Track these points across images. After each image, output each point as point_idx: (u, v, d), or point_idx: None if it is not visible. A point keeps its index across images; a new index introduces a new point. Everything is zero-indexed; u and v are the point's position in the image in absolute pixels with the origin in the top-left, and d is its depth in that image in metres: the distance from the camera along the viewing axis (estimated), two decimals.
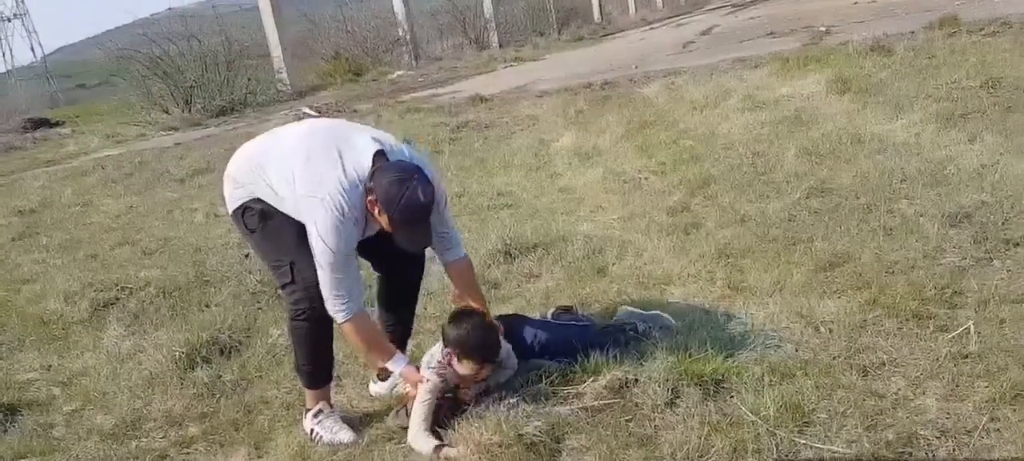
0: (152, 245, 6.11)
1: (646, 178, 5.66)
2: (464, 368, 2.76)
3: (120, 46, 18.21)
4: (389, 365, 2.84)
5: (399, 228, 2.62)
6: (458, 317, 2.83)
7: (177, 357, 3.62)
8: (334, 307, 2.67)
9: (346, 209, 2.56)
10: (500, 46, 23.72)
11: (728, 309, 3.27)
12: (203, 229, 6.41)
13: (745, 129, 6.39)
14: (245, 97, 17.00)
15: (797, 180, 4.78)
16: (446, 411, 2.78)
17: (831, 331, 2.93)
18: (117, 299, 4.73)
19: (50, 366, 3.97)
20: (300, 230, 2.70)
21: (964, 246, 3.47)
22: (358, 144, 2.67)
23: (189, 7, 22.28)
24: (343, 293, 2.65)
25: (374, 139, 2.70)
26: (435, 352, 2.88)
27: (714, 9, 28.16)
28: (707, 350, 2.83)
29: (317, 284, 2.70)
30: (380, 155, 2.64)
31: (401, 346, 3.11)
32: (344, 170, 2.60)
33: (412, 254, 2.96)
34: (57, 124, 21.95)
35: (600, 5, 31.71)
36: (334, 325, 2.82)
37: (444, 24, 25.00)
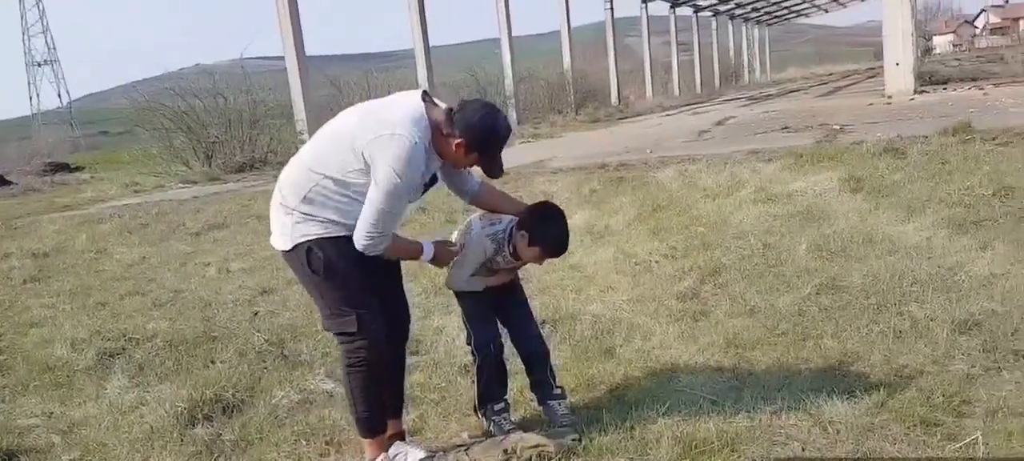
0: (162, 297, 6.14)
1: (657, 262, 5.68)
2: (530, 255, 3.05)
3: (146, 97, 18.59)
4: (424, 256, 2.97)
5: (488, 157, 2.79)
6: (548, 211, 3.12)
7: (179, 412, 3.61)
8: (375, 241, 2.72)
9: (418, 139, 2.65)
10: (519, 122, 24.08)
11: (735, 402, 3.25)
12: (214, 284, 6.45)
13: (757, 220, 6.43)
14: (266, 155, 17.25)
15: (808, 275, 4.79)
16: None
17: (838, 432, 2.90)
18: (123, 349, 4.74)
19: (52, 413, 3.95)
20: (364, 276, 2.79)
21: (973, 354, 3.45)
22: (401, 95, 2.85)
23: (218, 64, 22.77)
24: (386, 230, 2.73)
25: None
26: (477, 219, 3.11)
27: (730, 101, 28.60)
28: (713, 443, 2.80)
29: (382, 331, 2.84)
30: (426, 94, 2.81)
31: (395, 412, 3.17)
32: (405, 111, 2.72)
33: (403, 315, 3.12)
34: (77, 169, 22.31)
35: (618, 88, 32.27)
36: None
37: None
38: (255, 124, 17.76)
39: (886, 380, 3.26)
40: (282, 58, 18.39)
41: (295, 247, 2.80)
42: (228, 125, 17.44)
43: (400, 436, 3.17)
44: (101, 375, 4.39)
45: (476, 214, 3.19)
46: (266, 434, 3.47)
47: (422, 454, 2.99)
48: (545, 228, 3.05)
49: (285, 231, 2.82)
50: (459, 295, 3.24)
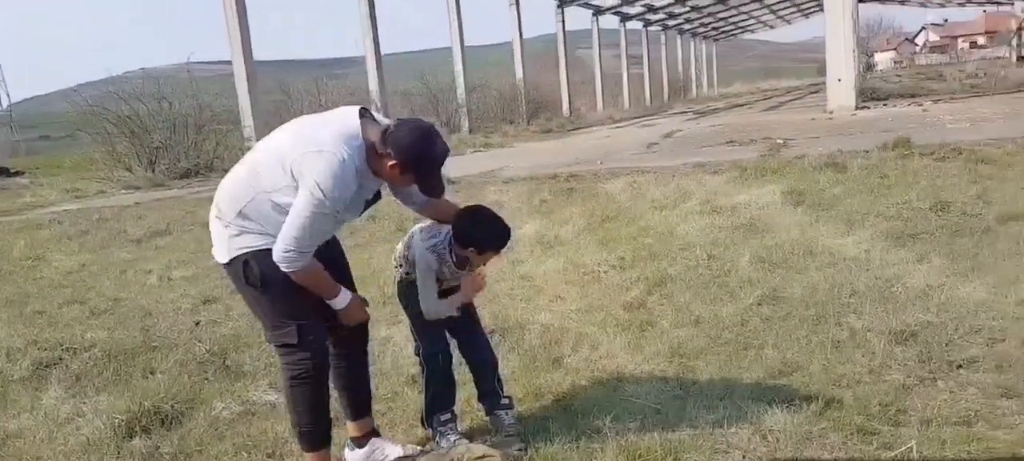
0: (102, 305, 5.98)
1: (605, 272, 5.73)
2: (483, 261, 3.10)
3: (89, 101, 18.12)
4: (336, 302, 2.85)
5: (425, 177, 2.74)
6: (476, 214, 3.12)
7: (116, 424, 3.51)
8: (294, 257, 2.63)
9: (346, 157, 2.59)
10: (471, 131, 24.12)
11: (679, 411, 3.29)
12: (155, 292, 6.31)
13: (702, 232, 6.54)
14: (211, 161, 16.96)
15: (750, 286, 4.89)
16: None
17: (778, 440, 2.96)
18: (60, 359, 4.60)
19: None
20: (303, 289, 2.73)
21: (909, 364, 3.55)
22: (339, 111, 2.77)
23: (164, 68, 22.33)
24: (307, 248, 2.65)
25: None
26: (418, 231, 3.11)
27: (678, 114, 29.05)
28: (656, 452, 2.84)
29: (324, 343, 2.78)
30: (365, 111, 2.74)
31: (365, 412, 3.18)
32: (337, 128, 2.66)
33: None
34: (16, 174, 21.61)
35: (570, 100, 32.54)
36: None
37: (417, 105, 25.35)
38: (201, 129, 17.44)
39: (825, 390, 3.34)
40: (230, 62, 18.12)
41: (232, 260, 2.76)
42: (173, 130, 17.08)
43: (375, 433, 3.18)
44: (36, 386, 4.26)
45: (417, 226, 3.19)
46: (206, 447, 3.40)
47: (400, 451, 3.02)
48: (483, 231, 3.06)
49: (223, 243, 2.77)
50: (407, 305, 3.23)
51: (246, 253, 2.73)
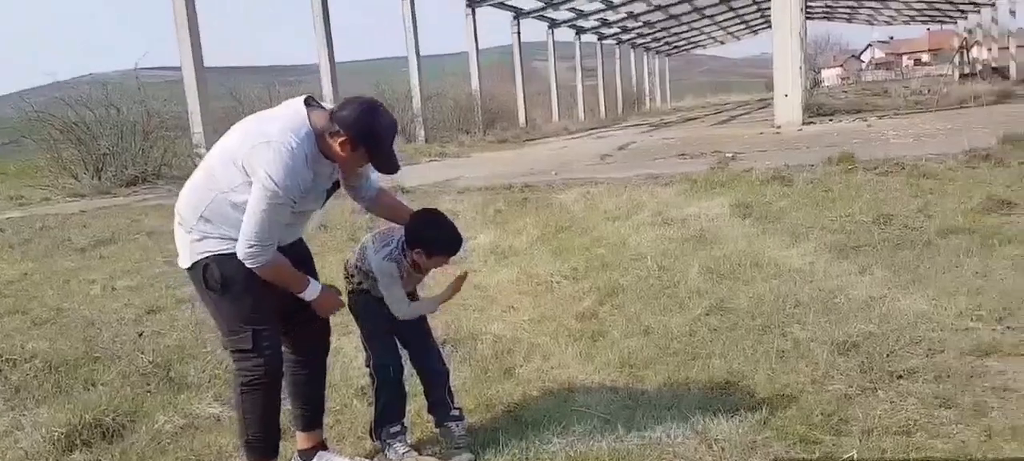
0: (43, 315, 5.81)
1: (558, 282, 5.76)
2: (433, 264, 3.10)
3: (35, 107, 17.63)
4: (306, 293, 2.83)
5: (376, 151, 2.74)
6: (428, 218, 3.13)
7: (56, 438, 3.41)
8: (256, 252, 2.63)
9: (295, 145, 2.60)
10: (426, 140, 24.07)
11: (627, 420, 3.32)
12: (99, 302, 6.16)
13: (654, 243, 6.62)
14: (159, 169, 16.64)
15: (699, 297, 4.96)
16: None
17: (723, 449, 3.00)
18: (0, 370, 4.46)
19: None
20: (264, 295, 2.73)
21: (851, 374, 3.63)
22: (285, 104, 2.78)
23: (112, 74, 21.84)
24: (268, 241, 2.64)
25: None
26: (370, 242, 3.10)
27: (631, 126, 29.38)
28: None
29: (279, 351, 2.77)
30: (310, 100, 2.75)
31: (316, 424, 3.16)
32: (284, 119, 2.68)
33: (322, 329, 3.06)
34: None
35: (525, 111, 32.70)
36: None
37: None
38: (149, 136, 17.09)
39: (769, 399, 3.40)
40: (180, 69, 17.81)
41: (194, 264, 2.77)
42: (120, 137, 16.71)
43: (322, 446, 3.16)
44: None
45: (369, 235, 3.19)
46: None
47: None
48: (434, 235, 3.07)
49: (186, 249, 2.78)
50: (358, 316, 3.21)
51: (207, 257, 2.73)
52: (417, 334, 3.28)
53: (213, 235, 2.71)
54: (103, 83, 18.39)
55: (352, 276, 3.16)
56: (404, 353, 3.27)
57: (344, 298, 3.07)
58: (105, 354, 4.67)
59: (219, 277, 2.72)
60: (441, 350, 3.43)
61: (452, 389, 3.32)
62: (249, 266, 2.66)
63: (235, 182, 2.64)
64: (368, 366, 3.23)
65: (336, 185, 2.90)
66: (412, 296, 3.19)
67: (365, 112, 2.71)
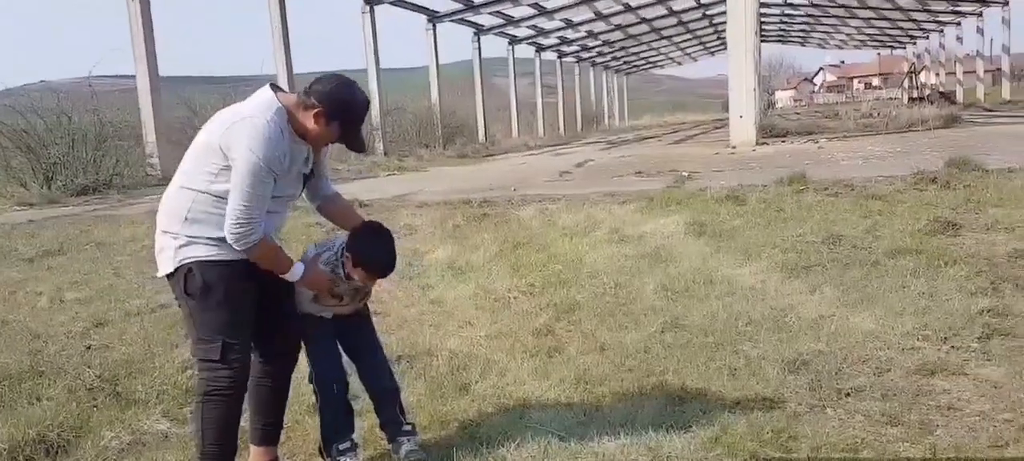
0: None
1: (515, 297, 5.78)
2: (358, 275, 3.01)
3: None
4: (290, 274, 2.87)
5: (348, 127, 2.83)
6: (373, 231, 3.09)
7: None
8: (245, 229, 2.66)
9: (270, 119, 2.68)
10: (385, 154, 23.96)
11: (581, 437, 3.34)
12: (46, 314, 5.99)
13: (610, 260, 6.67)
14: (111, 178, 16.30)
15: (654, 314, 5.01)
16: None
17: None
18: None
19: None
20: (241, 307, 2.77)
21: (801, 392, 3.69)
22: (252, 94, 2.84)
23: (64, 83, 21.37)
24: (256, 216, 2.67)
25: None
26: (312, 248, 3.10)
27: (590, 143, 29.60)
28: None
29: (246, 366, 2.81)
30: (274, 85, 2.83)
31: (273, 439, 3.18)
32: (254, 101, 2.78)
33: (294, 338, 3.09)
34: None
35: (485, 126, 32.77)
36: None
37: None
38: (101, 145, 16.73)
39: (721, 416, 3.44)
40: (134, 77, 17.50)
41: (177, 269, 2.78)
42: (71, 145, 16.33)
43: None
44: None
45: (312, 244, 3.21)
46: None
47: None
48: (369, 249, 3.04)
49: (169, 255, 2.79)
50: (305, 332, 3.18)
51: (191, 262, 2.75)
52: (367, 351, 3.26)
53: (200, 240, 2.74)
54: (55, 91, 18.00)
55: None
56: (353, 368, 3.25)
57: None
58: (51, 368, 4.54)
59: (201, 284, 2.75)
60: (391, 366, 3.41)
61: (404, 405, 3.31)
62: (239, 248, 2.70)
63: (214, 168, 2.68)
64: (311, 382, 3.20)
65: (312, 172, 2.96)
66: (340, 298, 3.13)
67: (341, 86, 2.80)
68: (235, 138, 2.65)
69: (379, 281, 3.20)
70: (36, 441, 3.46)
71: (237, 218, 2.65)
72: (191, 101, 21.55)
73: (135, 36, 17.08)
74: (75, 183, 15.78)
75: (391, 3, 26.29)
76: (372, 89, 25.37)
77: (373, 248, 3.04)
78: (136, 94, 17.69)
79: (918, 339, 4.28)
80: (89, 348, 5.00)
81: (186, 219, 2.74)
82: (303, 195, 3.09)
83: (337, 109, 2.77)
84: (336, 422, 3.17)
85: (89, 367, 4.40)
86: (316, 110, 2.74)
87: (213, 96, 19.94)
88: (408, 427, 3.25)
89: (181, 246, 2.76)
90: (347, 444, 3.16)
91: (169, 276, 2.82)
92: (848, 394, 3.65)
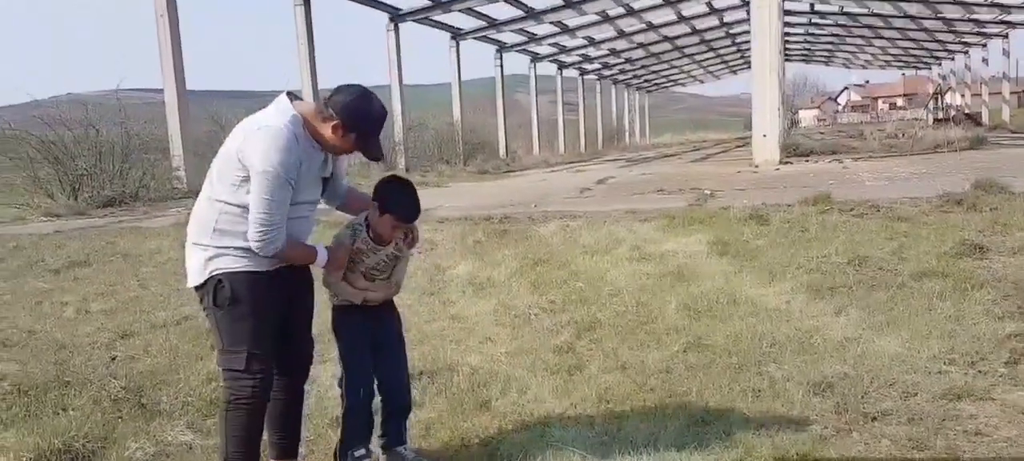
0: (14, 337, 5.72)
1: (536, 314, 5.77)
2: (384, 227, 3.06)
3: (12, 125, 17.45)
4: (318, 260, 2.97)
5: (365, 138, 2.87)
6: (395, 180, 3.17)
7: None
8: (268, 236, 2.72)
9: (284, 127, 2.73)
10: (407, 169, 24.07)
11: (603, 457, 3.32)
12: (71, 325, 6.07)
13: (631, 278, 6.65)
14: (137, 190, 16.49)
15: (676, 334, 4.99)
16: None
17: None
18: None
19: None
20: (267, 319, 2.83)
21: (826, 415, 3.66)
22: (269, 105, 2.89)
23: (92, 95, 21.71)
24: (277, 221, 2.73)
25: None
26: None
27: (611, 161, 29.56)
28: None
29: (270, 377, 2.86)
30: (291, 93, 2.89)
31: (292, 454, 3.24)
32: (271, 110, 2.83)
33: (306, 349, 3.14)
34: None
35: (506, 142, 32.86)
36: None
37: None
38: (128, 158, 16.95)
39: (744, 438, 3.41)
40: (161, 91, 17.75)
41: (206, 281, 2.84)
42: (99, 157, 16.57)
43: None
44: None
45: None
46: None
47: None
48: (394, 195, 3.11)
49: (198, 266, 2.85)
50: (337, 331, 3.22)
51: (220, 274, 2.81)
52: (394, 367, 3.29)
53: (229, 251, 2.80)
54: (82, 103, 18.27)
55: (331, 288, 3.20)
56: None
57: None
58: (76, 378, 4.60)
59: (229, 294, 2.81)
60: (411, 384, 3.44)
61: (407, 424, 3.38)
62: (266, 255, 2.76)
63: (236, 180, 2.74)
64: (340, 386, 3.24)
65: (331, 176, 3.02)
66: (375, 274, 3.19)
67: (359, 98, 2.85)
68: (251, 147, 2.72)
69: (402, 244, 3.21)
70: (62, 451, 3.50)
71: (259, 225, 2.72)
72: (218, 115, 21.81)
73: (163, 52, 17.31)
74: (101, 195, 15.99)
75: (415, 21, 26.49)
76: (395, 106, 25.57)
77: (397, 194, 3.11)
78: (163, 107, 17.92)
79: (945, 363, 4.23)
80: (114, 359, 5.05)
81: (215, 230, 2.81)
82: (323, 199, 3.15)
83: (355, 121, 2.83)
84: (357, 428, 3.22)
85: (114, 378, 4.45)
86: (334, 122, 2.80)
87: (240, 110, 20.15)
88: (406, 440, 3.34)
89: (210, 257, 2.82)
90: (362, 452, 3.21)
91: (198, 287, 2.88)
92: (874, 418, 3.61)
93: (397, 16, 25.82)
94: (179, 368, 4.64)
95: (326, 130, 2.82)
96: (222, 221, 2.80)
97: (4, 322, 6.23)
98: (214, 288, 2.83)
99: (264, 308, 2.85)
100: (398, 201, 3.10)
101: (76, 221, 13.55)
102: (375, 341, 3.24)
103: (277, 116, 2.79)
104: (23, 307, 6.78)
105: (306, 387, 3.37)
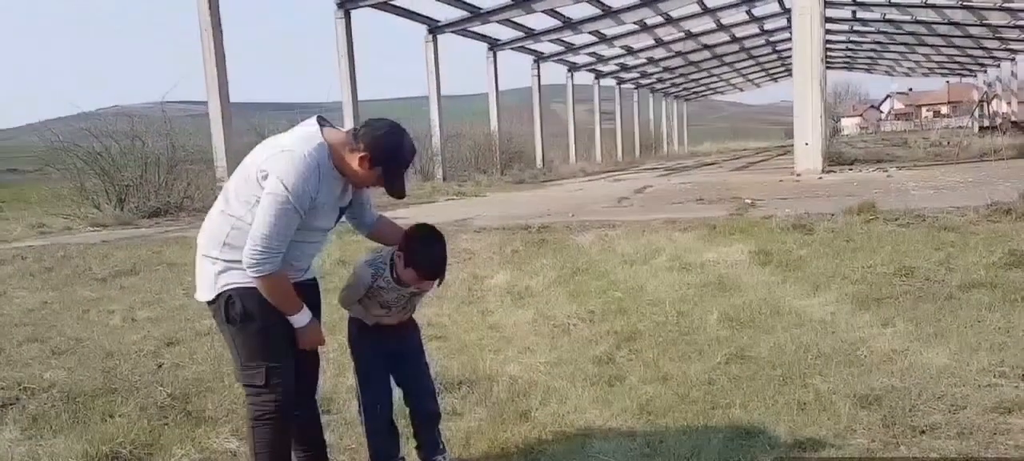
0: (62, 345, 5.85)
1: (575, 324, 5.74)
2: (408, 277, 3.00)
3: (60, 136, 17.92)
4: (295, 319, 2.86)
5: (391, 173, 2.82)
6: (426, 233, 3.06)
7: None
8: (262, 258, 2.68)
9: (307, 153, 2.69)
10: (444, 179, 24.21)
11: None
12: (118, 333, 6.19)
13: (671, 288, 6.59)
14: (181, 201, 16.81)
15: (718, 344, 4.92)
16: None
17: None
18: (17, 399, 4.48)
19: None
20: (280, 334, 2.81)
21: (873, 429, 3.58)
22: (298, 125, 2.87)
23: (137, 106, 22.20)
24: (275, 248, 2.68)
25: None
26: (362, 257, 3.15)
27: (648, 170, 29.40)
28: None
29: (291, 388, 2.83)
30: (322, 119, 2.85)
31: (319, 442, 3.23)
32: (297, 133, 2.80)
33: (314, 366, 3.12)
34: None
35: (543, 152, 32.87)
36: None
37: None
38: (173, 169, 17.30)
39: (789, 452, 3.36)
40: (205, 103, 18.07)
41: (217, 297, 2.82)
42: (144, 168, 16.94)
43: None
44: None
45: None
46: None
47: None
48: (421, 250, 3.03)
49: (209, 281, 2.84)
50: (354, 349, 3.24)
51: (231, 289, 2.79)
52: (416, 376, 3.29)
53: (237, 265, 2.76)
54: (129, 115, 18.68)
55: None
56: (397, 392, 3.28)
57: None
58: (123, 385, 4.69)
59: (241, 310, 2.78)
60: (435, 389, 3.43)
61: (441, 430, 3.35)
62: (253, 275, 2.71)
63: (253, 199, 2.71)
64: (358, 401, 3.26)
65: (350, 204, 2.98)
66: (390, 306, 3.16)
67: (389, 134, 2.82)
68: (271, 168, 2.69)
69: (425, 289, 3.16)
70: (109, 457, 3.56)
71: (255, 245, 2.67)
72: (260, 127, 22.11)
73: (208, 67, 17.63)
74: (147, 205, 16.33)
75: (453, 32, 26.66)
76: (433, 116, 25.76)
77: (425, 250, 3.03)
78: (206, 119, 18.23)
79: (995, 376, 4.11)
80: (160, 366, 5.13)
81: (225, 244, 2.79)
82: (351, 225, 3.14)
83: (382, 157, 2.79)
84: (381, 445, 3.23)
85: (160, 385, 4.53)
86: (362, 155, 2.77)
87: (281, 122, 20.45)
88: (442, 446, 3.31)
89: (220, 272, 2.80)
90: None
91: (210, 303, 2.86)
92: (923, 431, 3.53)
93: (435, 28, 26.02)
94: (224, 376, 4.70)
95: (353, 161, 2.79)
96: (232, 236, 2.77)
97: (53, 330, 6.37)
98: (225, 304, 2.81)
99: (277, 321, 2.82)
100: (427, 258, 3.02)
101: (122, 231, 13.85)
102: (395, 352, 3.23)
103: (302, 142, 2.74)
104: (71, 315, 6.93)
105: (343, 396, 3.41)
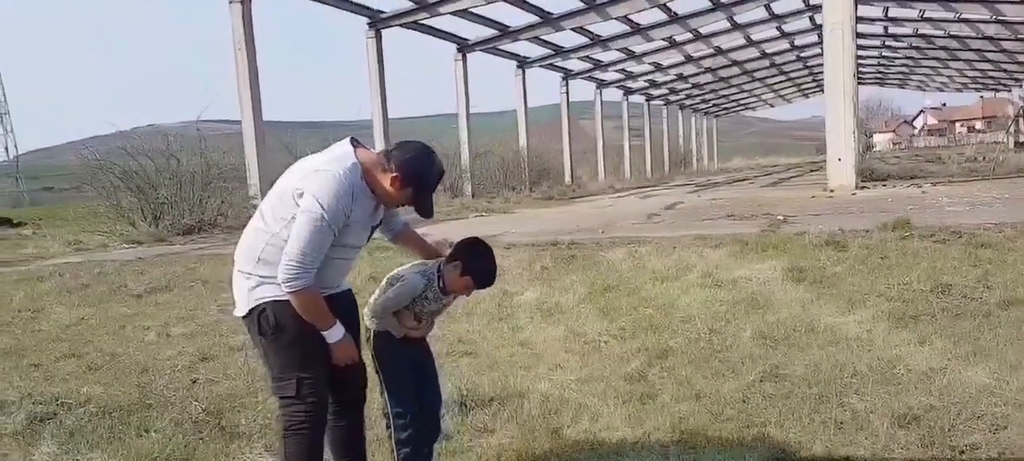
0: (98, 360, 5.94)
1: (606, 341, 5.71)
2: (462, 285, 3.18)
3: (97, 155, 18.28)
4: (328, 334, 2.92)
5: (420, 194, 2.93)
6: (479, 245, 3.27)
7: None
8: (296, 273, 2.75)
9: (341, 173, 2.78)
10: (473, 196, 24.30)
11: None
12: (154, 348, 6.27)
13: (703, 305, 6.53)
14: (215, 218, 17.02)
15: (752, 362, 4.87)
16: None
17: None
18: (55, 414, 4.55)
19: None
20: (311, 345, 2.86)
21: (912, 448, 3.52)
22: (332, 146, 2.96)
23: (172, 125, 22.59)
24: (309, 264, 2.76)
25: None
26: (408, 268, 3.26)
27: (678, 186, 29.25)
28: None
29: (323, 400, 2.89)
30: (355, 139, 2.95)
31: (361, 452, 3.28)
32: (331, 153, 2.89)
33: (357, 377, 3.15)
34: (19, 225, 21.68)
35: (572, 168, 32.89)
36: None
37: None
38: (206, 186, 17.55)
39: None
40: (239, 121, 18.32)
41: (251, 310, 2.90)
42: (179, 186, 17.19)
43: None
44: (29, 440, 4.20)
45: (393, 273, 3.32)
46: None
47: None
48: (478, 259, 3.22)
49: (243, 296, 2.92)
50: (380, 358, 3.28)
51: (264, 302, 2.87)
52: (432, 389, 3.38)
53: (270, 280, 2.83)
54: (164, 133, 19.00)
55: (372, 317, 3.26)
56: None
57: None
58: (158, 401, 4.75)
59: (273, 323, 2.85)
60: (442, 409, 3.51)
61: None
62: (288, 290, 2.78)
63: (289, 216, 2.79)
64: (386, 416, 3.29)
65: (381, 221, 3.07)
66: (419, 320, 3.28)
67: (419, 157, 2.92)
68: (307, 186, 2.78)
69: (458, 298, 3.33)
70: None
71: (290, 262, 2.75)
72: (292, 145, 22.41)
73: (241, 86, 17.87)
74: (181, 223, 16.55)
75: (483, 50, 26.83)
76: (462, 134, 25.90)
77: (481, 259, 3.23)
78: (240, 137, 18.47)
79: None
80: (195, 382, 5.19)
81: (259, 260, 2.87)
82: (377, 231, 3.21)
83: (412, 178, 2.90)
84: (414, 452, 3.27)
85: (195, 400, 4.58)
86: (393, 176, 2.88)
87: (313, 140, 20.74)
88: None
89: (253, 287, 2.89)
90: None
91: (244, 317, 2.95)
92: (962, 452, 3.48)
93: (465, 46, 26.22)
94: (257, 391, 4.74)
95: (385, 181, 2.89)
96: (267, 252, 2.85)
97: (89, 346, 6.47)
98: (258, 317, 2.89)
99: (309, 334, 2.88)
100: (484, 268, 3.23)
101: (157, 248, 14.05)
102: (417, 366, 3.32)
103: (337, 162, 2.83)
104: (107, 331, 7.03)
105: (375, 412, 3.41)
